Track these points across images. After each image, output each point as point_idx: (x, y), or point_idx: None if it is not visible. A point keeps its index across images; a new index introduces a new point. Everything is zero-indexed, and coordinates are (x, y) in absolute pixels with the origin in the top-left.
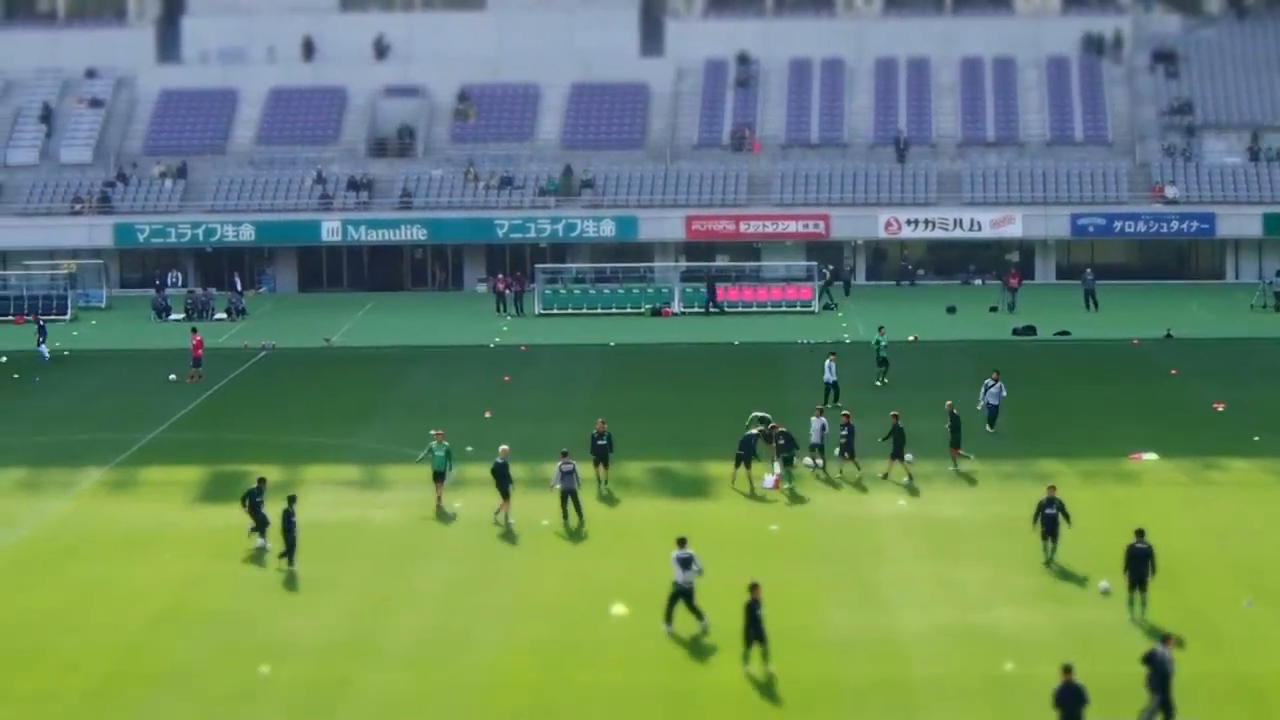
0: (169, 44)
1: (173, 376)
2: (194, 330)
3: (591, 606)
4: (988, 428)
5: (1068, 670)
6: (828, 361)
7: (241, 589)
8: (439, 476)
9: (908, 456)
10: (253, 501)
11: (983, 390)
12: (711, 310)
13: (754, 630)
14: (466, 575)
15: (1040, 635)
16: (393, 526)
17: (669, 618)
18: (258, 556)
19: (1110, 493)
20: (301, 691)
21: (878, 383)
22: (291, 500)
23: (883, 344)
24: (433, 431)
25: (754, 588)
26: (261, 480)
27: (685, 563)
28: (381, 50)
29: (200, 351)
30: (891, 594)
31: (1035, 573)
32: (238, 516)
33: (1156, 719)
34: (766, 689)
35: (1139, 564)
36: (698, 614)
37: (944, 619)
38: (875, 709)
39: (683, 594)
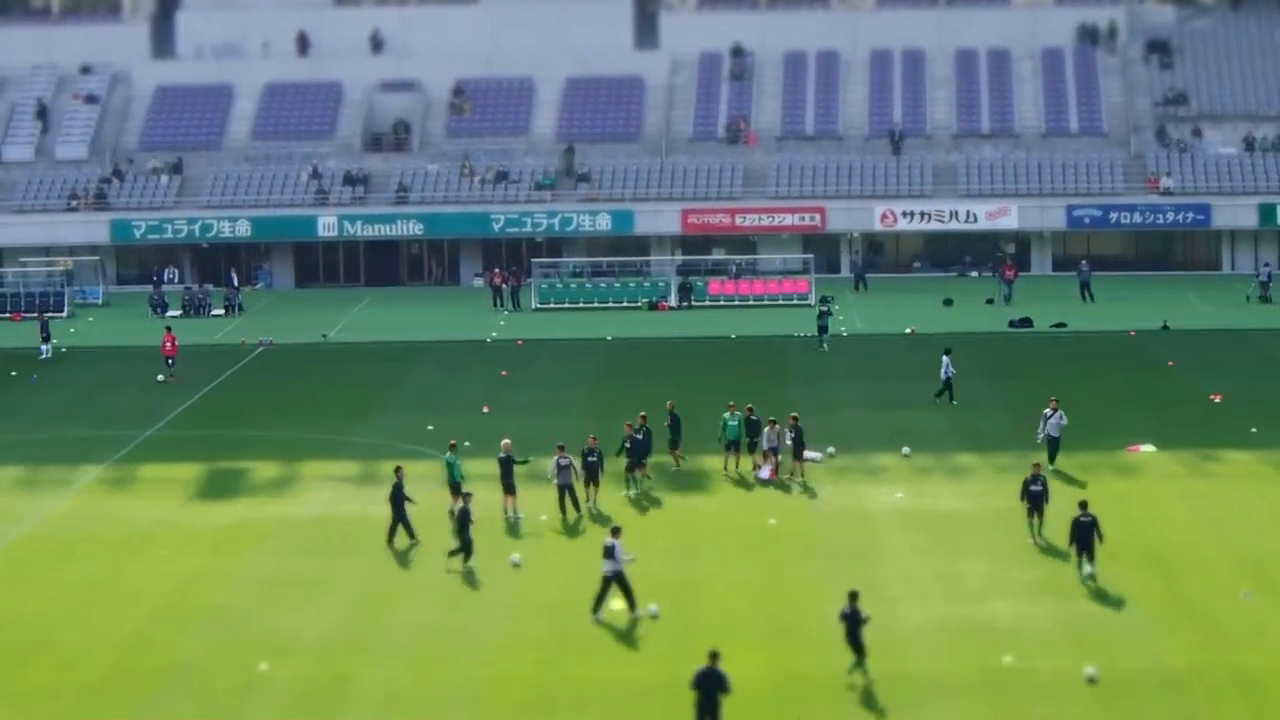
0: (164, 39)
1: (160, 378)
2: (168, 329)
3: (591, 601)
4: (1049, 464)
5: (714, 656)
6: (945, 358)
7: (240, 585)
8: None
9: (813, 455)
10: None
11: (1041, 422)
12: (683, 305)
13: (852, 641)
14: (467, 570)
15: (1039, 628)
16: (391, 522)
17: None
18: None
19: (1108, 485)
20: (301, 688)
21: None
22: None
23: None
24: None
25: (854, 596)
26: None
27: (608, 552)
28: (377, 44)
29: (174, 350)
30: (890, 588)
31: (1034, 566)
32: (236, 513)
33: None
34: (766, 684)
35: (1085, 535)
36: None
37: (942, 613)
38: (873, 702)
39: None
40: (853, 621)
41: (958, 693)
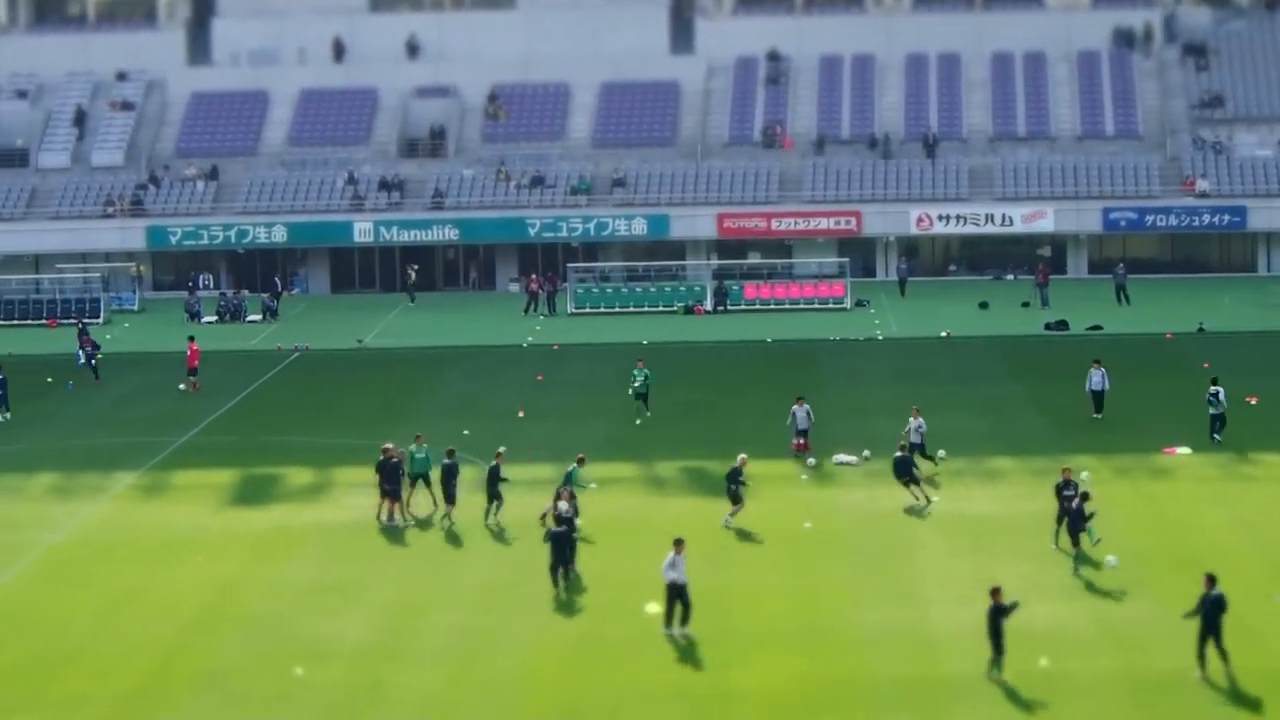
0: (199, 46)
1: (182, 387)
2: (191, 339)
3: (624, 606)
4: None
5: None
6: (1093, 371)
7: (276, 591)
8: (422, 479)
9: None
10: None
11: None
12: (719, 310)
13: (994, 638)
14: (499, 576)
15: (1075, 631)
16: (426, 528)
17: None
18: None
19: (1144, 488)
20: (337, 694)
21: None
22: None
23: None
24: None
25: (995, 592)
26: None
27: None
28: (412, 50)
29: (196, 361)
30: (925, 591)
31: (1069, 569)
32: (272, 519)
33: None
34: (801, 688)
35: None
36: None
37: (978, 616)
38: (909, 707)
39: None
40: (995, 615)
41: (993, 696)
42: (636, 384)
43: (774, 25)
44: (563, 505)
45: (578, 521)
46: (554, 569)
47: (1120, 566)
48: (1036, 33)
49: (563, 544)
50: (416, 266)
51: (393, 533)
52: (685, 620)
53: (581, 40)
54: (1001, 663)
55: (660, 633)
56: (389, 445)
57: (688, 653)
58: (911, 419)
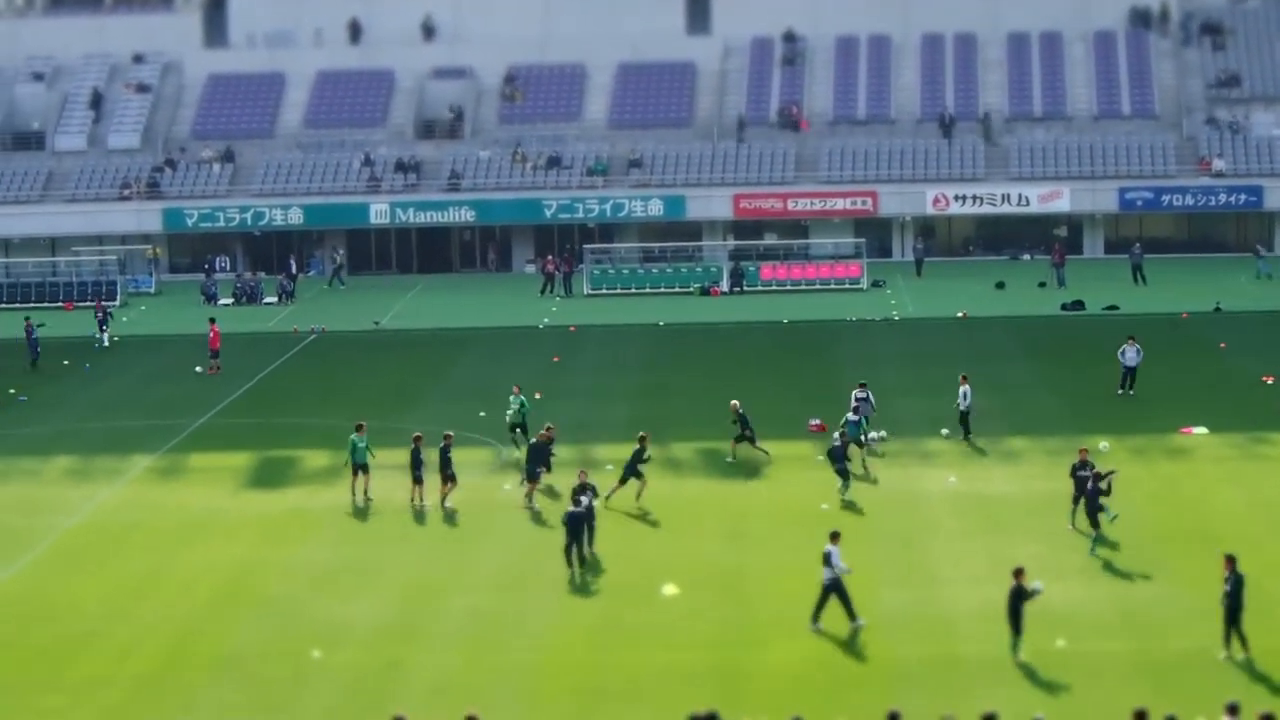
0: (215, 28)
1: (199, 369)
2: (212, 320)
3: (642, 587)
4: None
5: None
6: (1127, 346)
7: (292, 574)
8: (362, 469)
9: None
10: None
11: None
12: (735, 290)
13: (1014, 619)
14: (516, 557)
15: (1092, 612)
16: (443, 510)
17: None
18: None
19: (1160, 468)
20: (353, 676)
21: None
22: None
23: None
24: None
25: (1018, 573)
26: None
27: (825, 559)
28: (428, 32)
29: (218, 343)
30: (942, 571)
31: (1086, 549)
32: (288, 501)
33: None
34: (818, 668)
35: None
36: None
37: (994, 596)
38: (926, 686)
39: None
40: (1017, 597)
41: (1010, 676)
42: (510, 412)
43: (790, 5)
44: (583, 499)
45: (596, 503)
46: (568, 550)
47: (1137, 547)
48: (1052, 12)
49: (579, 525)
50: (342, 251)
51: (417, 516)
52: (852, 617)
53: (598, 21)
54: (1019, 644)
55: (680, 614)
56: (419, 434)
57: (706, 634)
58: (961, 385)
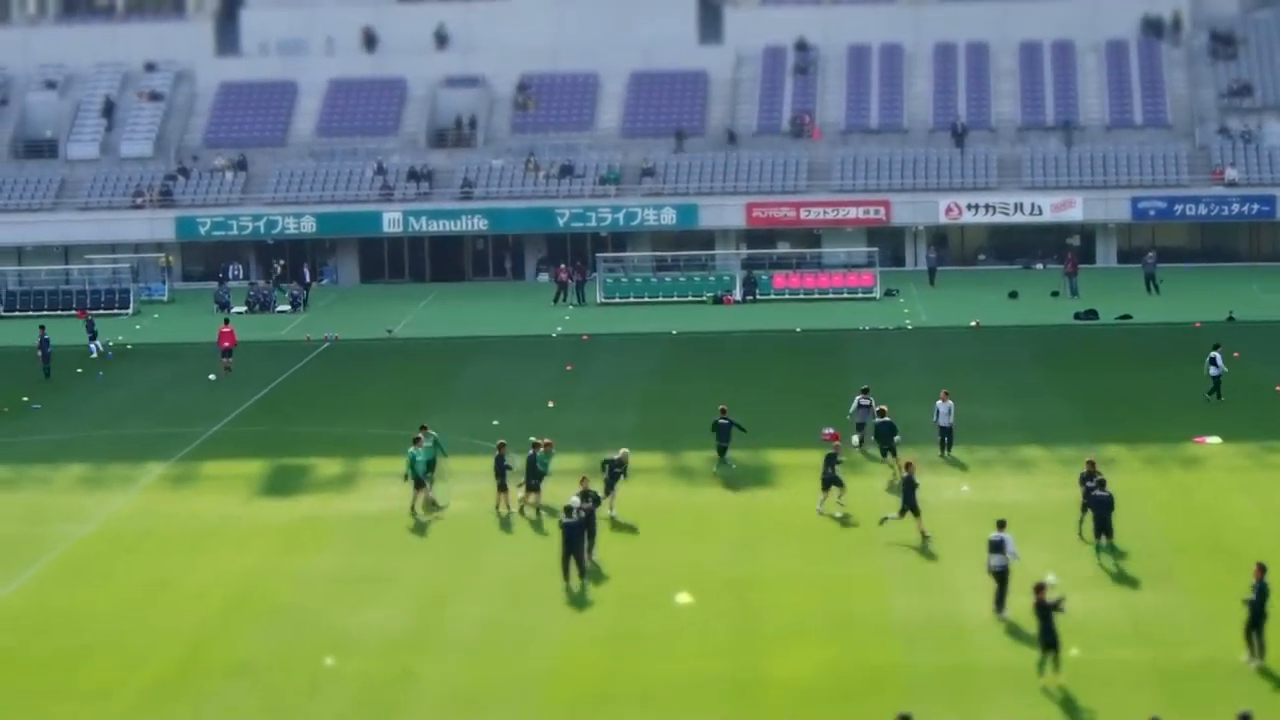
0: (228, 36)
1: (212, 377)
2: (226, 320)
3: (655, 596)
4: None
5: None
6: (1214, 354)
7: (305, 582)
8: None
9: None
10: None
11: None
12: (747, 299)
13: (1046, 634)
14: (530, 566)
15: (1105, 620)
16: (456, 518)
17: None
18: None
19: (1173, 477)
20: (365, 684)
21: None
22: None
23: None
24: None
25: (1039, 589)
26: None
27: (996, 546)
28: (441, 40)
29: (227, 342)
30: (955, 580)
31: (1099, 558)
32: (300, 509)
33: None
34: (831, 677)
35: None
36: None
37: (1008, 605)
38: (940, 695)
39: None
40: (1042, 611)
41: (1023, 684)
42: (418, 460)
43: (802, 15)
44: (574, 499)
45: (596, 511)
46: (565, 561)
47: (1150, 556)
48: (1064, 22)
49: (574, 535)
50: (283, 262)
51: (421, 524)
52: (1000, 607)
53: (610, 30)
54: (1047, 660)
55: (690, 623)
56: (502, 441)
57: (718, 643)
58: (940, 402)
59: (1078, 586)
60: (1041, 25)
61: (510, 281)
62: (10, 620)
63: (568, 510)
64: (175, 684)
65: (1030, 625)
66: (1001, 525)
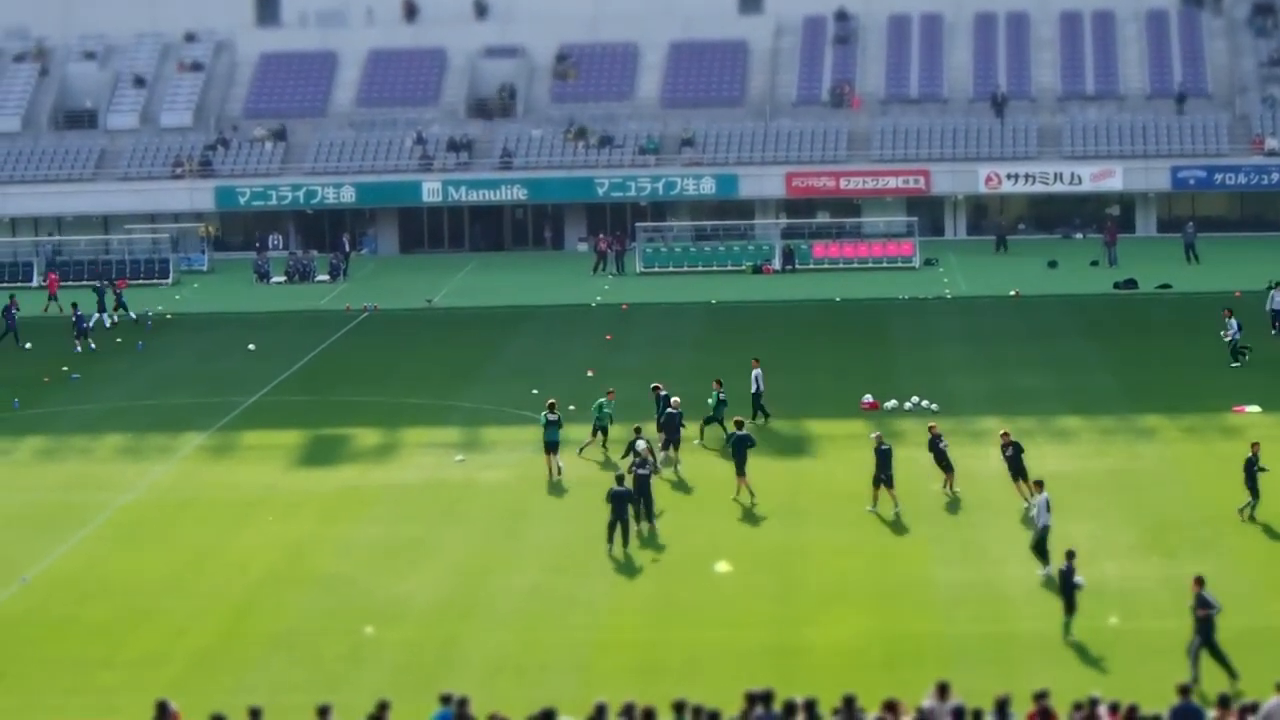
0: (267, 6)
1: (251, 346)
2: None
3: (697, 565)
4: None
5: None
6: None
7: (348, 551)
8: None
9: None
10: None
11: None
12: (787, 269)
13: (1067, 597)
14: (572, 535)
15: (1145, 590)
16: (498, 487)
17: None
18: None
19: (1213, 446)
20: (408, 653)
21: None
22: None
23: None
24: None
25: (1070, 555)
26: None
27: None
28: (481, 10)
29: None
30: (996, 549)
31: (1140, 527)
32: (342, 479)
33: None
34: (873, 646)
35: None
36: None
37: (1050, 574)
38: (981, 663)
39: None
40: (1067, 580)
41: (1063, 654)
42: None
43: None
44: (639, 446)
45: (653, 477)
46: (611, 527)
47: (1189, 526)
48: None
49: (622, 502)
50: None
51: (463, 492)
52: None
53: None
54: (1071, 624)
55: (733, 591)
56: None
57: (761, 612)
58: (754, 369)
59: (1117, 555)
60: None
61: (549, 251)
62: (55, 589)
63: (619, 478)
64: (219, 653)
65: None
66: (1039, 486)
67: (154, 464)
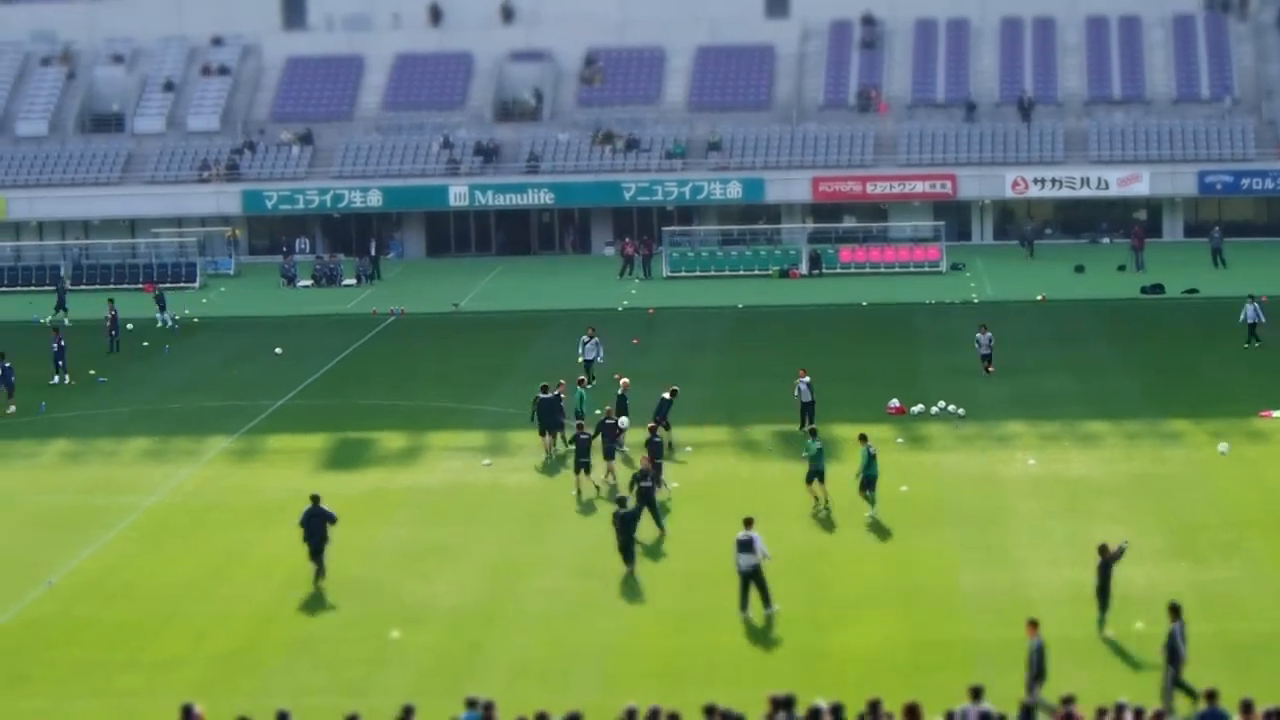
0: (294, 10)
1: (278, 350)
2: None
3: (720, 569)
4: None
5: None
6: (1247, 306)
7: (372, 555)
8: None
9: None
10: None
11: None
12: (813, 273)
13: (1102, 594)
14: (596, 539)
15: (1171, 594)
16: (523, 491)
17: (743, 603)
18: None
19: (1240, 450)
20: (432, 657)
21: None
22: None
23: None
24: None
25: (1103, 549)
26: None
27: (745, 546)
28: (507, 14)
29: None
30: (1021, 553)
31: (1166, 532)
32: (367, 482)
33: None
34: (897, 650)
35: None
36: (765, 599)
37: (1074, 578)
38: (1006, 668)
39: (748, 578)
40: (1105, 570)
41: (1090, 657)
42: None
43: None
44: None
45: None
46: (623, 549)
47: (1216, 530)
48: None
49: (629, 526)
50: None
51: (489, 495)
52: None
53: (677, 3)
54: (1105, 620)
55: (756, 594)
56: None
57: (784, 616)
58: (801, 378)
59: (1143, 560)
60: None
61: (575, 255)
62: (79, 592)
63: (620, 501)
64: (243, 656)
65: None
66: (748, 523)
67: (179, 467)
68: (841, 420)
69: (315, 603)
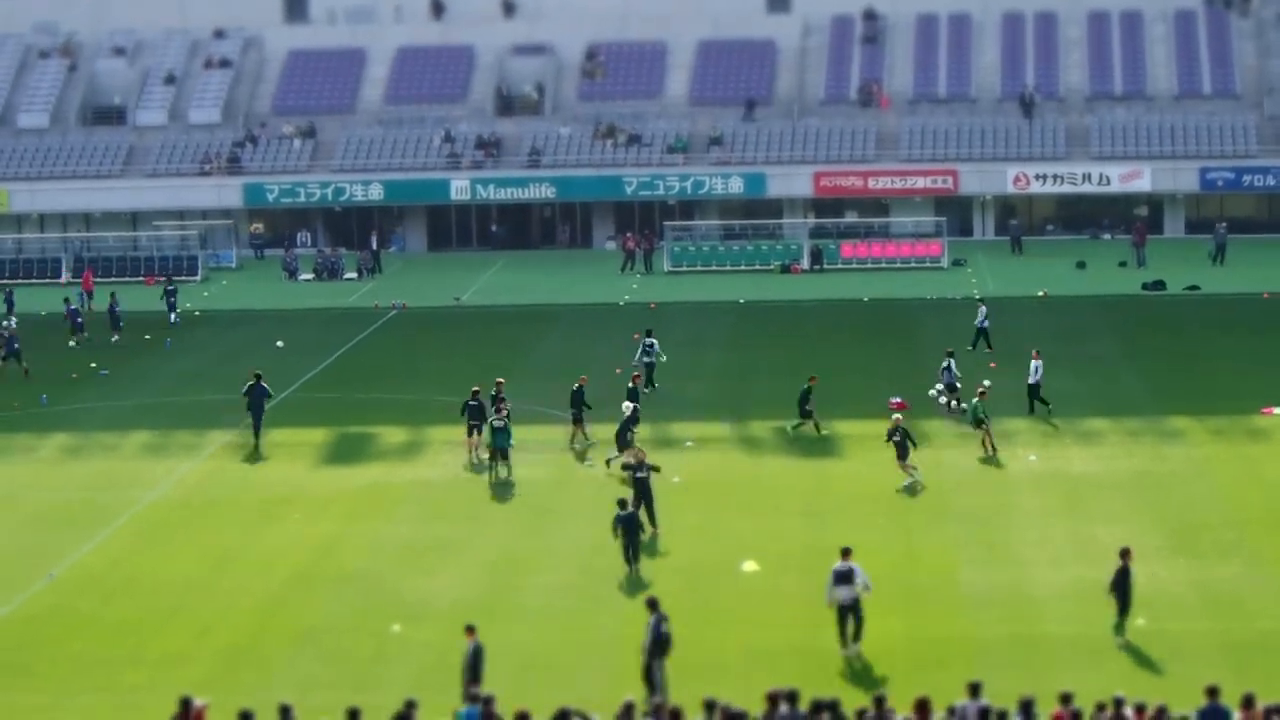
0: (296, 4)
1: (280, 344)
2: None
3: (723, 565)
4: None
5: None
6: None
7: (374, 550)
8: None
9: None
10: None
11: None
12: (815, 268)
13: (1121, 596)
14: (598, 533)
15: (1172, 591)
16: (525, 485)
17: (843, 639)
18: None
19: (1241, 448)
20: (435, 652)
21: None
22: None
23: None
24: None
25: (1125, 554)
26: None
27: (844, 577)
28: (509, 8)
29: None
30: (1023, 551)
31: (1167, 529)
32: (369, 477)
33: None
34: (901, 647)
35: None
36: (858, 632)
37: (1076, 576)
38: (1008, 666)
39: (846, 610)
40: (1123, 577)
41: (1091, 654)
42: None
43: None
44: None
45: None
46: (626, 550)
47: (1217, 528)
48: None
49: (632, 526)
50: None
51: (492, 490)
52: None
53: None
54: (1124, 624)
55: (760, 592)
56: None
57: (787, 613)
58: (1033, 360)
59: (1144, 558)
60: None
61: (577, 249)
62: (80, 587)
63: (621, 503)
64: (246, 650)
65: (1098, 596)
66: (846, 554)
67: (181, 461)
68: (843, 416)
69: (318, 597)
